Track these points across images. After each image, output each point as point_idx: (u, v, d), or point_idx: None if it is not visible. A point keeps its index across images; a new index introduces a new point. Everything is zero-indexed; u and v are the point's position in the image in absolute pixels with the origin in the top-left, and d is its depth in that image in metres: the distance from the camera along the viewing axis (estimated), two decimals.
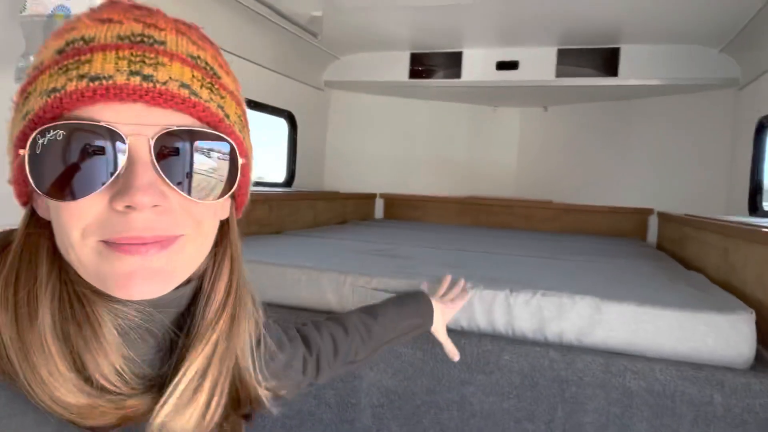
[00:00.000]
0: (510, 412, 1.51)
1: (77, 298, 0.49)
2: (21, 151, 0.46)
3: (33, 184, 0.46)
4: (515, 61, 3.68)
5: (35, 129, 0.45)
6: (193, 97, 0.48)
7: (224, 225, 0.60)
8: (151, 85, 0.45)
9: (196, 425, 0.53)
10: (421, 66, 3.91)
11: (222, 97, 0.52)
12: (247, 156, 0.56)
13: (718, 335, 1.42)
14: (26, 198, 0.53)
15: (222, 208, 0.58)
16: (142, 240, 0.47)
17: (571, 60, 3.61)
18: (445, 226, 4.09)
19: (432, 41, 3.67)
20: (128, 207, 0.45)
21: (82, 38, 0.47)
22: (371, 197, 4.54)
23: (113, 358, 0.49)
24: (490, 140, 4.74)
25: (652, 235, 3.96)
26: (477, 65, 3.74)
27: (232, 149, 0.52)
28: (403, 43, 3.74)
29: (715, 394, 1.36)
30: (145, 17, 0.49)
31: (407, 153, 4.63)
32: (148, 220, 0.47)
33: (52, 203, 0.48)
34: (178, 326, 0.57)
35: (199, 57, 0.50)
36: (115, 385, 0.48)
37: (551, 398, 1.48)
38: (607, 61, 3.54)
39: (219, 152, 0.51)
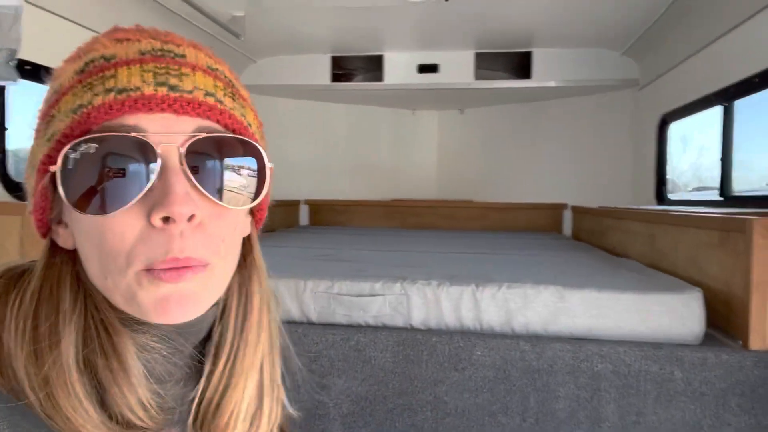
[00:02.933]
0: (484, 407, 1.51)
1: (104, 328, 0.48)
2: (52, 167, 0.45)
3: (67, 201, 0.44)
4: (435, 64, 3.75)
5: (64, 146, 0.44)
6: (218, 104, 0.48)
7: (245, 243, 0.58)
8: (178, 94, 0.46)
9: None
10: (343, 69, 3.87)
11: (243, 107, 0.52)
12: (270, 169, 0.54)
13: (672, 314, 1.51)
14: (45, 228, 0.52)
15: (244, 224, 0.56)
16: (177, 263, 0.46)
17: (488, 63, 3.74)
18: (375, 229, 4.07)
19: (353, 44, 3.66)
20: (165, 220, 0.44)
21: (103, 57, 0.47)
22: (295, 204, 4.43)
23: (140, 390, 0.47)
24: (411, 143, 4.80)
25: (567, 227, 4.19)
26: (399, 68, 3.77)
27: (260, 155, 0.51)
28: (323, 46, 3.69)
29: (675, 370, 1.44)
30: (161, 36, 0.50)
31: (329, 158, 4.57)
32: (184, 239, 0.46)
33: (92, 225, 0.46)
34: (199, 354, 0.56)
35: (217, 69, 0.51)
36: (141, 419, 0.47)
37: (524, 389, 1.50)
38: (521, 64, 3.71)
39: (247, 158, 0.50)
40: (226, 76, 0.51)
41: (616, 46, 3.49)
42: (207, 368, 0.55)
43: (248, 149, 0.50)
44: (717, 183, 2.63)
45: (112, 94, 0.44)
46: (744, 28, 2.23)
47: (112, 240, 0.45)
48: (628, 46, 3.42)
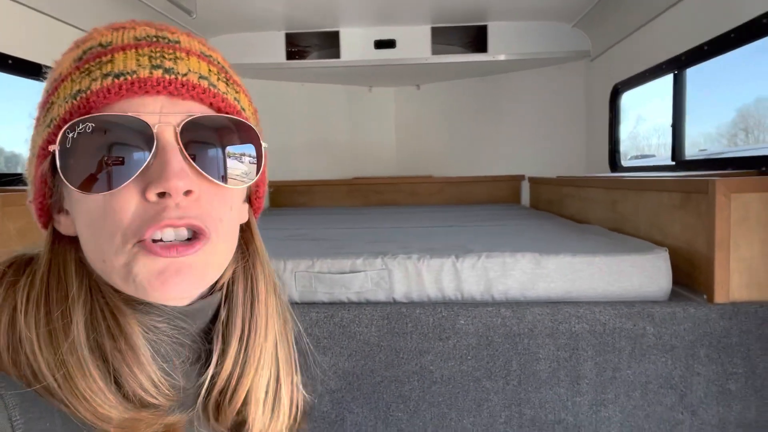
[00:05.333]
0: (469, 373, 1.56)
1: (110, 311, 0.48)
2: (51, 147, 0.46)
3: (65, 180, 0.45)
4: (392, 39, 3.73)
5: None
6: (212, 88, 0.49)
7: (245, 231, 0.60)
8: (173, 77, 0.47)
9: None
10: (298, 47, 3.80)
11: (237, 92, 0.53)
12: (264, 152, 0.55)
13: (642, 273, 1.59)
14: (46, 217, 0.53)
15: (241, 210, 0.57)
16: (174, 224, 0.47)
17: (444, 38, 3.75)
18: (340, 208, 4.06)
19: (308, 20, 3.58)
20: (161, 195, 0.45)
21: (100, 44, 0.48)
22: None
23: (149, 369, 0.48)
24: (369, 121, 4.78)
25: (525, 198, 4.30)
26: (355, 45, 3.73)
27: (255, 136, 0.52)
28: (277, 23, 3.61)
29: (647, 326, 1.52)
30: (155, 25, 0.52)
31: (287, 138, 4.50)
32: (181, 208, 0.47)
33: (90, 205, 0.47)
34: (207, 337, 0.57)
35: (211, 56, 0.53)
36: (154, 397, 0.48)
37: (506, 353, 1.55)
38: (477, 38, 3.74)
39: (242, 140, 0.51)
40: (219, 62, 0.53)
41: (568, 19, 3.56)
42: (216, 350, 0.56)
43: (243, 131, 0.51)
44: (653, 151, 2.76)
45: (109, 78, 0.45)
46: None
47: (110, 219, 0.46)
48: (578, 19, 3.49)
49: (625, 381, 1.53)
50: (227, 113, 0.51)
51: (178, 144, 0.46)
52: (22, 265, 0.52)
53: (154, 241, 0.47)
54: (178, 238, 0.47)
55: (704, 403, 1.51)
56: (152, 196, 0.45)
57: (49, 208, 0.52)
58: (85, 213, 0.48)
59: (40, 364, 0.45)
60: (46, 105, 0.49)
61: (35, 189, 0.51)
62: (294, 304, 1.63)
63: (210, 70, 0.51)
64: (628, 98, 3.35)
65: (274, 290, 0.62)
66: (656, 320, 1.51)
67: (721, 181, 1.50)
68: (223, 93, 0.51)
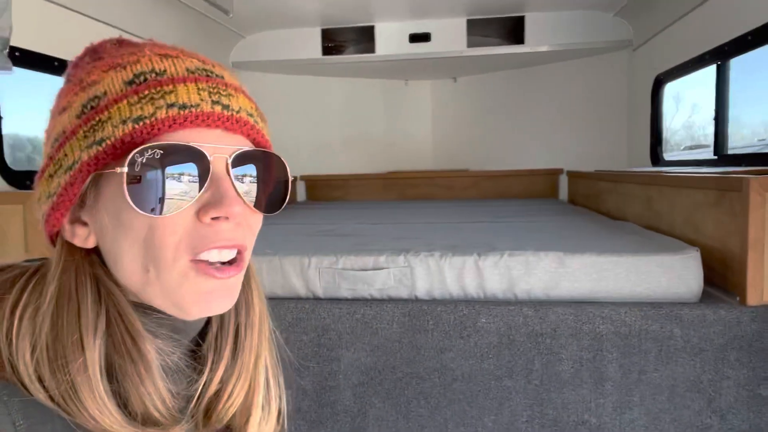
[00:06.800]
0: (490, 371, 1.55)
1: (128, 334, 0.51)
2: (118, 169, 0.48)
3: (131, 202, 0.48)
4: (427, 33, 3.71)
5: (123, 152, 0.48)
6: (256, 125, 0.56)
7: None
8: (229, 113, 0.52)
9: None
10: (333, 42, 3.83)
11: (265, 126, 0.59)
12: (291, 183, 0.60)
13: (671, 274, 1.54)
14: (58, 227, 0.54)
15: None
16: (227, 245, 0.52)
17: (480, 30, 3.70)
18: (374, 203, 4.09)
19: (343, 16, 3.61)
20: (214, 219, 0.50)
21: (154, 71, 0.51)
22: (292, 181, 4.43)
23: (163, 391, 0.52)
24: (405, 115, 4.78)
25: (563, 192, 4.21)
26: (390, 39, 3.74)
27: (285, 169, 0.58)
28: (313, 19, 3.65)
29: (674, 328, 1.48)
30: (199, 56, 0.56)
31: (323, 132, 4.55)
32: (231, 231, 0.52)
33: (143, 222, 0.50)
34: (192, 349, 0.61)
35: (245, 90, 0.57)
36: (164, 417, 0.51)
37: (528, 353, 1.54)
38: (514, 30, 3.68)
39: (275, 171, 0.57)
40: (251, 97, 0.59)
41: (609, 8, 3.45)
42: (209, 361, 0.60)
43: (278, 164, 0.58)
44: (710, 141, 2.64)
45: (175, 109, 0.49)
46: None
47: (163, 235, 0.50)
48: (620, 7, 3.38)
49: (651, 384, 1.49)
50: (263, 147, 0.57)
51: (229, 173, 0.52)
52: (25, 279, 0.53)
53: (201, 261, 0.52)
54: (221, 259, 0.53)
55: (734, 408, 1.46)
56: (207, 219, 0.50)
57: (64, 219, 0.54)
58: (133, 227, 0.50)
59: (52, 387, 0.47)
60: (91, 122, 0.50)
61: (57, 201, 0.52)
62: (317, 299, 1.67)
63: (252, 107, 0.56)
64: (683, 86, 3.21)
65: (267, 312, 0.67)
66: (684, 322, 1.47)
67: (756, 179, 1.43)
68: (261, 128, 0.57)
